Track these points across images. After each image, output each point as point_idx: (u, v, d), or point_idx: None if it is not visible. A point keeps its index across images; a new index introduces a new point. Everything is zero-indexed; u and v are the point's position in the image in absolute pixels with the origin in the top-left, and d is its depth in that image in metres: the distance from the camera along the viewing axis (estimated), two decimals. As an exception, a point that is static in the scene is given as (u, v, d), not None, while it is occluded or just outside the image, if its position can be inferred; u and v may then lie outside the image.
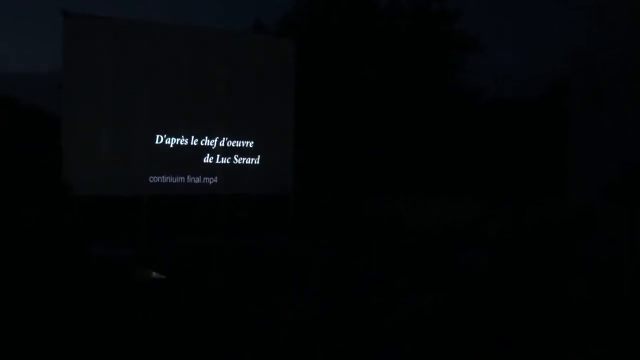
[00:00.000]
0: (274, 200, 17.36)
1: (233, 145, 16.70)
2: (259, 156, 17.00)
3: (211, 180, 16.45)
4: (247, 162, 16.89)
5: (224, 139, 16.58)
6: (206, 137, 16.37)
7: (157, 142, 15.74)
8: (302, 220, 16.77)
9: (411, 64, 20.04)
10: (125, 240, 11.71)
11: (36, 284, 2.80)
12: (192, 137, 16.20)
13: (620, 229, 9.71)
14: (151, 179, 15.71)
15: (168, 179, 15.94)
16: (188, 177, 16.21)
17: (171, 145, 15.90)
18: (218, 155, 16.54)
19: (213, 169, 16.49)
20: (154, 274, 5.77)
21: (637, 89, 14.18)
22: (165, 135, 15.84)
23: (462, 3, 23.29)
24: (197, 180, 16.32)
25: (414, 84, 20.11)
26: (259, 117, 16.95)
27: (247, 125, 16.81)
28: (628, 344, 6.34)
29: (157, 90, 15.68)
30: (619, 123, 14.48)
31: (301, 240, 15.02)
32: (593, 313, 7.46)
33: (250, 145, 16.90)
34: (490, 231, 13.32)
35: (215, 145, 16.49)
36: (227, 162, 16.65)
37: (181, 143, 16.04)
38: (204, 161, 16.37)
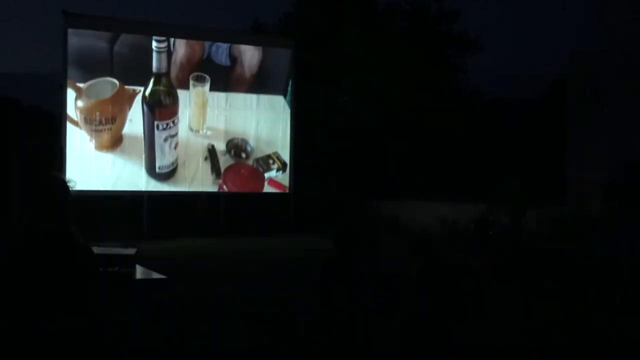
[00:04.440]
0: (274, 200, 17.36)
1: (233, 145, 16.68)
2: (259, 156, 16.98)
3: (211, 179, 16.44)
4: (247, 162, 16.88)
5: (223, 138, 16.57)
6: (206, 136, 16.37)
7: (160, 88, 15.65)
8: (302, 219, 16.76)
9: (411, 64, 20.03)
10: (125, 240, 11.71)
11: (34, 282, 2.81)
12: (192, 136, 16.18)
13: (620, 228, 9.70)
14: (152, 179, 15.72)
15: (168, 178, 15.94)
16: (188, 177, 16.22)
17: (171, 144, 15.87)
18: (218, 155, 16.52)
19: (213, 167, 16.47)
20: (154, 274, 5.78)
21: (637, 89, 14.19)
22: (164, 134, 15.83)
23: (462, 3, 23.22)
24: (197, 179, 16.31)
25: (413, 84, 20.09)
26: (259, 117, 16.92)
27: (246, 124, 16.79)
28: (629, 343, 6.35)
29: (156, 90, 15.64)
30: (619, 123, 14.49)
31: (301, 240, 15.03)
32: (593, 313, 7.46)
33: (251, 145, 16.87)
34: (490, 231, 13.31)
35: (215, 144, 16.47)
36: (228, 161, 16.63)
37: (181, 142, 16.03)
38: (204, 160, 16.36)
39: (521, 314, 7.43)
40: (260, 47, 17.25)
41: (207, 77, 16.15)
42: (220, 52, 16.47)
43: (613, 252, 9.32)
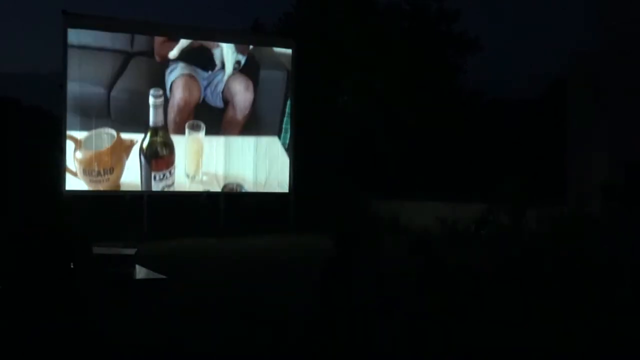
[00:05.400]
0: (274, 200, 17.36)
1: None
2: (259, 155, 16.97)
3: (212, 178, 16.44)
4: (247, 161, 16.86)
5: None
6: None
7: (157, 139, 15.68)
8: (302, 219, 16.76)
9: (411, 64, 20.02)
10: (125, 240, 11.71)
11: (30, 283, 2.82)
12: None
13: (620, 228, 9.70)
14: (152, 178, 15.71)
15: (168, 178, 15.93)
16: (188, 175, 16.21)
17: (171, 144, 15.87)
18: (218, 153, 16.51)
19: (214, 166, 16.47)
20: (154, 274, 5.79)
21: (637, 89, 14.19)
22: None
23: (462, 3, 23.22)
24: (197, 178, 16.31)
25: (413, 84, 20.09)
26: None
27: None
28: (629, 343, 6.35)
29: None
30: (619, 123, 14.49)
31: (301, 240, 15.03)
32: (593, 313, 7.46)
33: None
34: (490, 232, 13.30)
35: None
36: (228, 160, 16.62)
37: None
38: (205, 159, 16.35)
39: (521, 314, 7.43)
40: (260, 47, 17.23)
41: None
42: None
43: (613, 252, 9.32)
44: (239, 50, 16.74)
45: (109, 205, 15.29)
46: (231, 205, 16.63)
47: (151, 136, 15.68)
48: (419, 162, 20.10)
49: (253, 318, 7.08)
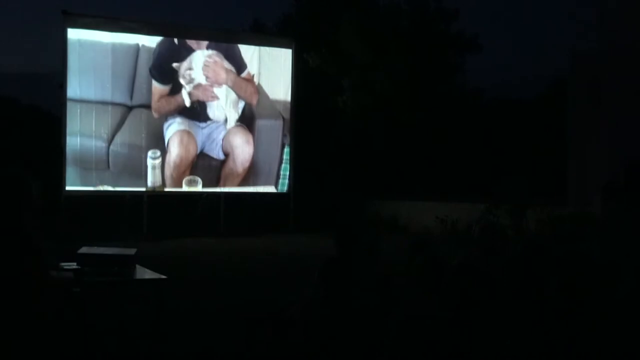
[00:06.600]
0: (274, 200, 17.36)
1: (233, 144, 16.68)
2: (258, 155, 16.98)
3: (212, 179, 16.46)
4: (247, 161, 16.88)
5: (222, 136, 16.58)
6: (206, 135, 16.38)
7: (157, 140, 15.73)
8: (302, 219, 16.76)
9: (411, 64, 20.01)
10: (125, 240, 11.71)
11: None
12: (192, 134, 16.20)
13: (620, 228, 9.69)
14: (151, 178, 15.74)
15: (168, 177, 15.95)
16: (188, 175, 16.23)
17: (171, 143, 15.92)
18: (218, 153, 16.54)
19: (214, 166, 16.49)
20: (154, 274, 5.77)
21: (637, 89, 14.18)
22: (165, 133, 15.87)
23: (462, 3, 23.26)
24: (198, 177, 16.33)
25: (413, 84, 20.08)
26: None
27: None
28: (629, 343, 6.33)
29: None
30: (619, 123, 14.48)
31: (301, 240, 15.03)
32: (593, 314, 7.45)
33: (250, 145, 16.88)
34: (489, 232, 13.28)
35: (215, 143, 16.49)
36: (227, 160, 16.63)
37: (181, 141, 16.06)
38: (204, 158, 16.38)
39: (520, 314, 7.42)
40: (260, 47, 17.23)
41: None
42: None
43: (613, 252, 9.31)
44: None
45: (109, 205, 15.29)
46: (231, 205, 16.63)
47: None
48: (419, 162, 20.10)
49: (253, 318, 7.07)
